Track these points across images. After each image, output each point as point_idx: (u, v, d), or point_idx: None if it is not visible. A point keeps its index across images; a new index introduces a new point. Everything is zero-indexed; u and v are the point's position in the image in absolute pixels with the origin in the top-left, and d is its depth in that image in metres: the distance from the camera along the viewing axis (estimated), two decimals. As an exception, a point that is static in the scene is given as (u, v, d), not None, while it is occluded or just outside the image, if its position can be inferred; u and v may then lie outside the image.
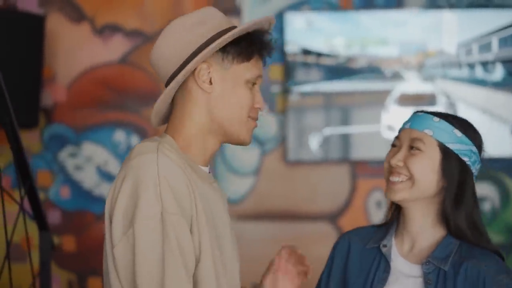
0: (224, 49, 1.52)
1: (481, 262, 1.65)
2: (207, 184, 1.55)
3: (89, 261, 3.52)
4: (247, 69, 1.54)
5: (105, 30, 3.55)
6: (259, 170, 3.55)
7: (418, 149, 1.68)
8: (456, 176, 1.68)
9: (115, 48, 3.55)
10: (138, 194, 1.42)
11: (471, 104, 3.44)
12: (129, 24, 3.56)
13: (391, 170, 1.71)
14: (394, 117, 3.46)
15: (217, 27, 1.53)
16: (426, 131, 1.68)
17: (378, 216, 3.54)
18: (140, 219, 1.41)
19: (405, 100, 3.48)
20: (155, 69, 1.57)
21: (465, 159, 1.68)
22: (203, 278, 1.46)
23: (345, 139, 3.51)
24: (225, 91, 1.53)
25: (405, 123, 1.76)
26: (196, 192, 1.48)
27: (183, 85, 1.54)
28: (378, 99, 3.50)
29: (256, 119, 1.58)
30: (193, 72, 1.53)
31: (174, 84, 1.52)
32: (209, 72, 1.52)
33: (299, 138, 3.50)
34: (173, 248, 1.41)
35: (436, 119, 1.70)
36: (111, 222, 1.45)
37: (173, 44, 1.53)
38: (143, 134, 3.49)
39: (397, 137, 1.75)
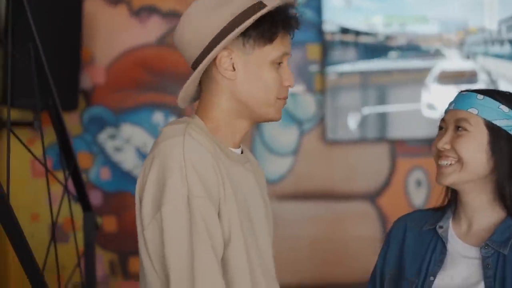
0: (245, 33, 1.49)
1: None
2: (239, 165, 1.54)
3: (129, 241, 3.55)
4: (271, 50, 1.50)
5: (142, 12, 3.56)
6: (298, 150, 3.54)
7: (464, 129, 1.64)
8: (507, 154, 1.63)
9: (152, 29, 3.55)
10: (165, 178, 1.42)
11: (513, 81, 3.38)
12: (166, 5, 3.55)
13: (439, 154, 1.67)
14: (435, 95, 3.42)
15: (241, 6, 1.49)
16: (471, 110, 1.64)
17: (418, 195, 3.51)
18: (167, 202, 1.41)
19: (445, 78, 3.43)
20: (180, 52, 1.55)
21: None
22: (233, 260, 1.47)
23: (384, 118, 3.48)
24: (249, 76, 1.51)
25: (449, 104, 1.71)
26: (225, 174, 1.47)
27: (207, 71, 1.52)
28: (417, 78, 3.45)
29: (285, 97, 1.55)
30: (214, 60, 1.50)
31: (197, 73, 1.50)
32: (231, 58, 1.50)
33: (337, 117, 3.48)
34: (200, 230, 1.41)
35: (480, 96, 1.65)
36: (141, 204, 1.45)
37: (194, 28, 1.50)
38: (181, 116, 3.48)
39: (442, 119, 1.70)
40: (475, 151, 1.63)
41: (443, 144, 1.65)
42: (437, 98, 3.41)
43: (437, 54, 3.46)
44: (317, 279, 3.52)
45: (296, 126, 3.53)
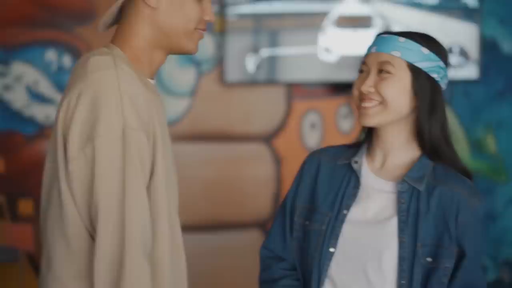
0: None
1: (454, 186, 1.69)
2: (156, 96, 1.54)
3: (19, 183, 3.45)
4: None
5: None
6: (195, 91, 3.52)
7: (388, 72, 1.67)
8: (428, 94, 1.68)
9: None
10: (99, 110, 1.40)
11: (407, 26, 3.46)
12: None
13: (362, 97, 1.70)
14: (331, 39, 3.46)
15: None
16: (394, 52, 1.67)
17: (312, 137, 3.59)
18: (100, 135, 1.39)
19: (342, 22, 3.48)
20: None
21: (434, 75, 1.69)
22: (157, 192, 1.46)
23: (281, 60, 3.50)
24: (172, 6, 1.51)
25: (370, 47, 1.73)
26: (152, 106, 1.47)
27: None
28: (315, 21, 3.48)
29: (204, 30, 1.57)
30: None
31: None
32: None
33: (236, 59, 3.47)
34: (135, 163, 1.40)
35: (402, 39, 1.69)
36: (64, 138, 1.42)
37: None
38: (76, 54, 3.39)
39: (363, 63, 1.73)
40: (398, 93, 1.67)
41: (368, 87, 1.68)
42: (333, 42, 3.46)
43: (334, -2, 3.49)
44: (212, 220, 3.55)
45: (194, 67, 3.50)
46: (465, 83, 3.59)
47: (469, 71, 3.52)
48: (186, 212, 3.60)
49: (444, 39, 3.58)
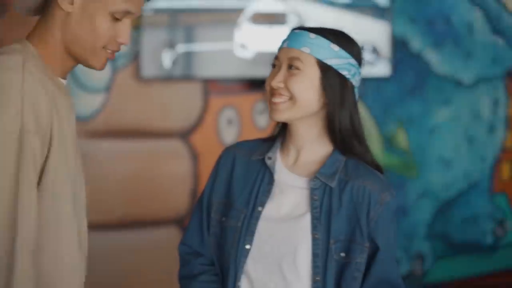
0: None
1: (366, 180, 1.71)
2: (67, 96, 1.51)
3: None
4: (113, 2, 1.47)
5: None
6: (111, 86, 3.47)
7: (297, 68, 1.68)
8: (337, 91, 1.69)
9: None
10: None
11: (320, 24, 3.48)
12: None
13: (272, 92, 1.70)
14: (247, 35, 3.48)
15: None
16: (303, 48, 1.68)
17: (229, 133, 3.60)
18: None
19: (257, 18, 3.50)
20: None
21: (344, 73, 1.69)
22: (58, 193, 1.45)
23: (198, 56, 3.50)
24: (84, 16, 1.47)
25: (283, 42, 1.74)
26: (55, 108, 1.44)
27: None
28: (230, 17, 3.49)
29: (115, 51, 1.53)
30: None
31: None
32: None
33: (152, 54, 3.44)
34: (29, 165, 1.38)
35: (313, 35, 1.69)
36: None
37: None
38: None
39: (276, 57, 1.73)
40: (307, 89, 1.68)
41: (277, 82, 1.69)
42: (249, 38, 3.48)
43: (250, -6, 3.51)
44: (129, 218, 3.52)
45: (109, 62, 3.44)
46: (377, 80, 3.66)
47: (380, 69, 3.59)
48: (103, 210, 3.56)
49: (357, 37, 3.66)
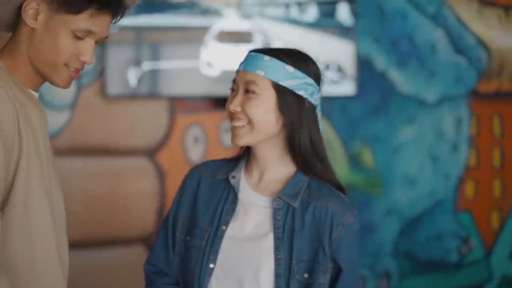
0: None
1: (328, 201, 1.72)
2: (38, 108, 1.52)
3: None
4: (74, 21, 1.48)
5: None
6: (75, 104, 3.45)
7: (253, 92, 1.69)
8: (295, 111, 1.70)
9: None
10: None
11: (286, 42, 3.54)
12: None
13: (231, 116, 1.71)
14: (213, 53, 3.49)
15: None
16: (258, 72, 1.68)
17: (195, 151, 3.59)
18: None
19: (223, 36, 3.52)
20: None
21: (301, 93, 1.70)
22: (32, 204, 1.44)
23: (164, 74, 3.50)
24: (46, 33, 1.48)
25: (240, 65, 1.74)
26: (25, 116, 1.44)
27: (19, 8, 1.50)
28: (196, 35, 3.50)
29: (78, 69, 1.54)
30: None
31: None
32: (37, 9, 1.47)
33: (117, 72, 3.43)
34: None
35: (267, 57, 1.69)
36: None
37: None
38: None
39: (234, 80, 1.74)
40: (264, 112, 1.69)
41: (234, 106, 1.70)
42: (215, 56, 3.49)
43: (216, 13, 3.53)
44: (95, 236, 3.49)
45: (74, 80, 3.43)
46: (343, 99, 3.69)
47: (346, 87, 3.62)
48: (68, 228, 3.51)
49: (322, 56, 3.71)
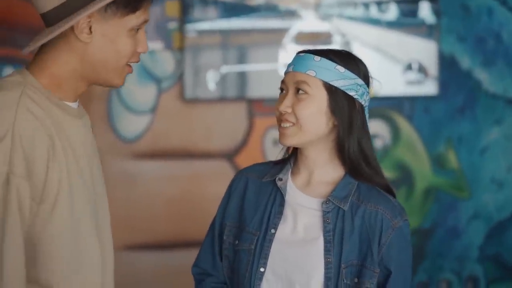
0: None
1: (378, 205, 1.69)
2: (77, 119, 1.50)
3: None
4: (132, 19, 1.47)
5: (-9, -39, 3.37)
6: (156, 108, 3.51)
7: (304, 92, 1.66)
8: (346, 112, 1.68)
9: (2, -21, 3.38)
10: None
11: (365, 43, 3.49)
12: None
13: (280, 117, 1.69)
14: (292, 55, 3.47)
15: None
16: (309, 72, 1.66)
17: (274, 153, 3.53)
18: None
19: (302, 38, 3.50)
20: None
21: (352, 93, 1.68)
22: (56, 226, 1.42)
23: (242, 77, 3.51)
24: (104, 41, 1.47)
25: (288, 66, 1.73)
26: (60, 131, 1.43)
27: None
28: (275, 38, 3.50)
29: (137, 61, 1.53)
30: None
31: (57, 31, 1.43)
32: (90, 21, 1.45)
33: (196, 76, 3.47)
34: (14, 211, 1.36)
35: (317, 58, 1.67)
36: None
37: None
38: (34, 71, 3.36)
39: (283, 81, 1.72)
40: (314, 113, 1.66)
41: (284, 107, 1.68)
42: (293, 59, 3.48)
43: (294, 14, 3.51)
44: (174, 238, 3.53)
45: (154, 84, 3.49)
46: (425, 99, 3.61)
47: (428, 87, 3.55)
48: (148, 230, 3.58)
49: (403, 56, 3.64)
